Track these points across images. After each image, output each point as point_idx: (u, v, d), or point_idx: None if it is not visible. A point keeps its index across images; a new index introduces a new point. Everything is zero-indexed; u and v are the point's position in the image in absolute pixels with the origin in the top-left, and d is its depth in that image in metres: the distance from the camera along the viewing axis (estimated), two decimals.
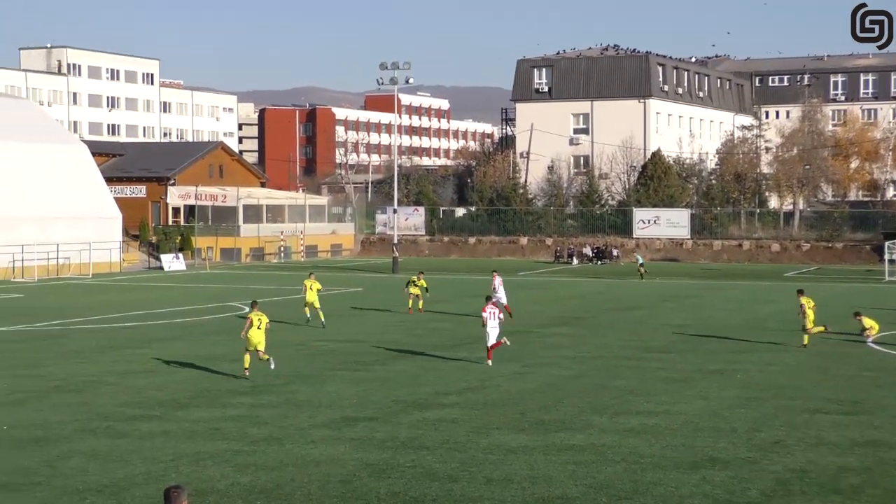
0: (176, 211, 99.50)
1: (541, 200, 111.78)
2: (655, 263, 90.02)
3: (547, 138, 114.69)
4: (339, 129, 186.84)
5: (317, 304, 42.73)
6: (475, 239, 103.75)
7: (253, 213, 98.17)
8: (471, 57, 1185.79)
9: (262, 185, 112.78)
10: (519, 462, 19.84)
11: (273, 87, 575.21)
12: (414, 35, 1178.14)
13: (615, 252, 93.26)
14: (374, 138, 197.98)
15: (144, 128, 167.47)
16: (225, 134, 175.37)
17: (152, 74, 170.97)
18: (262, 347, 29.74)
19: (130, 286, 66.30)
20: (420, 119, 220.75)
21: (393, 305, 50.38)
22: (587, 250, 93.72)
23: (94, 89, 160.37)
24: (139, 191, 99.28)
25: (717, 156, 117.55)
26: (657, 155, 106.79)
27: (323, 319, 42.02)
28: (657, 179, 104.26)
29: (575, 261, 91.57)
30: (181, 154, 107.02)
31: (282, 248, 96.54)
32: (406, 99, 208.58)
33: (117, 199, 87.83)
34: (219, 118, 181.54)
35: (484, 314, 32.41)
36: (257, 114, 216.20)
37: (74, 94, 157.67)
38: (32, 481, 18.35)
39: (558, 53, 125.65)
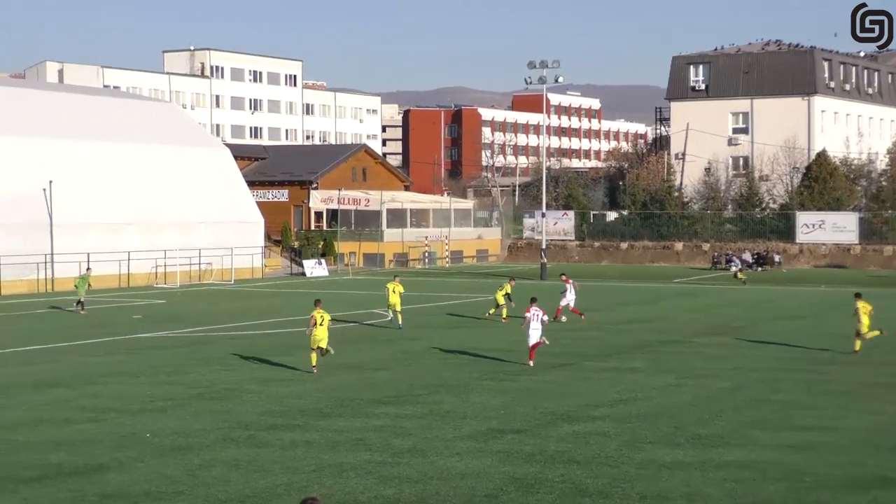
0: (318, 215, 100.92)
1: (697, 204, 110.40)
2: (820, 270, 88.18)
3: (703, 138, 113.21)
4: (486, 131, 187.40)
5: (398, 308, 45.09)
6: (627, 244, 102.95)
7: (396, 218, 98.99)
8: (623, 54, 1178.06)
9: (406, 188, 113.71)
10: (674, 478, 19.58)
11: (418, 88, 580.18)
12: (564, 32, 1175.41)
13: (777, 258, 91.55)
14: (521, 140, 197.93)
15: (287, 130, 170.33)
16: (368, 136, 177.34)
17: (295, 76, 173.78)
18: (324, 344, 32.60)
19: (272, 292, 67.45)
20: (569, 119, 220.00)
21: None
22: (746, 256, 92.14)
23: (236, 91, 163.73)
24: (281, 195, 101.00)
25: (888, 156, 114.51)
26: (822, 155, 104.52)
27: (400, 322, 44.53)
28: (822, 181, 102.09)
29: (733, 267, 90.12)
30: (324, 157, 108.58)
31: (426, 254, 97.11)
32: (555, 99, 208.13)
33: (259, 204, 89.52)
34: (362, 120, 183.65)
35: (527, 314, 34.33)
36: (401, 115, 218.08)
37: (217, 97, 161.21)
38: (175, 490, 18.76)
39: (716, 49, 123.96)
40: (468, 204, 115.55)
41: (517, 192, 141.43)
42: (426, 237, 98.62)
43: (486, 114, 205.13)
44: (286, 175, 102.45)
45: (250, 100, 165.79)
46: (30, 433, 23.36)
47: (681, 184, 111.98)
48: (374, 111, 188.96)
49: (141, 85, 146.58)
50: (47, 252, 69.17)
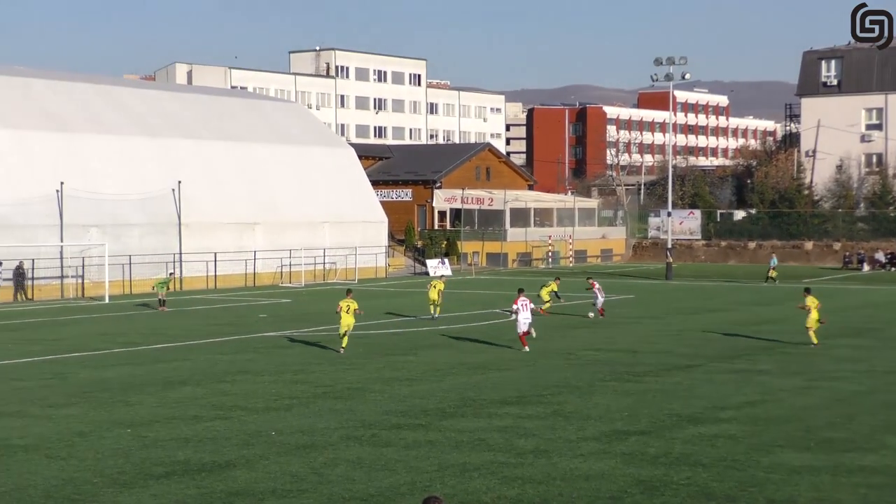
0: (442, 214, 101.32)
1: (828, 202, 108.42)
2: None
3: (835, 135, 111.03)
4: (611, 129, 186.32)
5: (438, 301, 49.27)
6: (755, 244, 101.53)
7: (520, 217, 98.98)
8: (752, 50, 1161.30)
9: (530, 187, 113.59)
10: (804, 483, 19.25)
11: (542, 86, 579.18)
12: (691, 28, 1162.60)
13: None
14: (646, 138, 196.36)
15: (411, 130, 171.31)
16: (492, 135, 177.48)
17: (419, 75, 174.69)
18: (351, 329, 37.49)
19: (396, 291, 67.91)
20: (696, 117, 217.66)
21: (666, 313, 49.81)
22: (879, 256, 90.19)
23: (361, 91, 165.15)
24: (405, 194, 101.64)
25: None
26: None
27: (437, 314, 48.81)
28: None
29: (866, 267, 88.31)
30: (448, 156, 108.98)
31: (550, 253, 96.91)
32: (681, 96, 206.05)
33: (383, 203, 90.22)
34: (486, 119, 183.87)
35: (515, 305, 37.91)
36: (525, 114, 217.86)
37: (342, 97, 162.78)
38: (299, 488, 18.99)
39: (849, 44, 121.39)
40: (592, 203, 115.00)
41: (642, 191, 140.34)
42: (550, 236, 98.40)
43: (611, 111, 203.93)
44: (410, 174, 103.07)
45: (374, 99, 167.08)
46: (160, 430, 23.86)
47: (811, 182, 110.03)
48: (498, 110, 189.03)
49: (267, 85, 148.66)
50: (176, 251, 70.59)
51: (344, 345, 37.30)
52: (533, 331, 38.29)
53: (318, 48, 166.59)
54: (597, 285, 50.51)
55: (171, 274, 59.85)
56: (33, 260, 63.07)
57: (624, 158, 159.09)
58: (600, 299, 49.80)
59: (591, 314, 49.41)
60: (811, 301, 38.69)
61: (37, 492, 18.62)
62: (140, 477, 19.65)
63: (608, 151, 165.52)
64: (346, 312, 37.22)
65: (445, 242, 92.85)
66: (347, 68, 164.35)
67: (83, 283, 65.50)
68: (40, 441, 22.66)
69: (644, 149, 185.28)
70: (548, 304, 51.30)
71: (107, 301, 58.18)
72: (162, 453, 21.53)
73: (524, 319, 37.60)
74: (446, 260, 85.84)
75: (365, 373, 32.69)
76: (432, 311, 49.13)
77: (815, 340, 38.27)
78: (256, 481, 19.38)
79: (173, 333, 44.09)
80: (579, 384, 30.33)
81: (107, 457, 21.22)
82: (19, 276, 63.19)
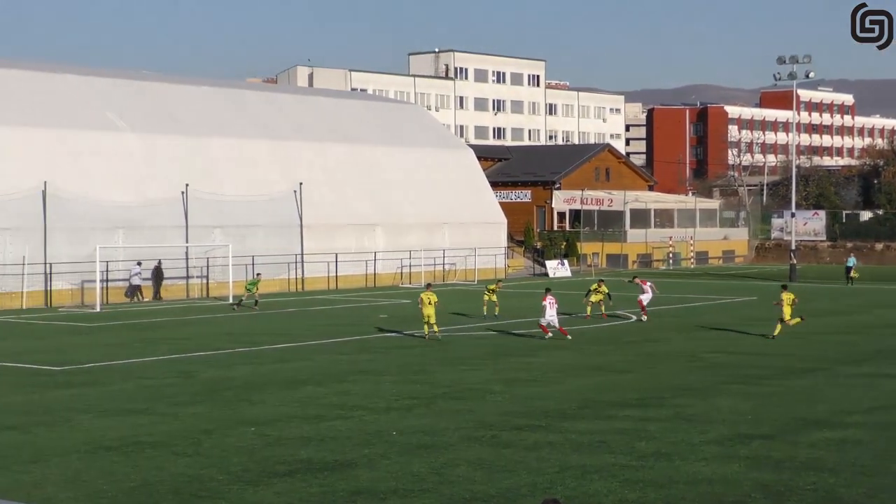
0: (561, 215, 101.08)
1: None
2: None
3: None
4: (732, 129, 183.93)
5: (495, 300, 51.20)
6: (882, 245, 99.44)
7: (640, 218, 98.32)
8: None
9: (650, 188, 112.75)
10: None
11: (662, 86, 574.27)
12: (814, 25, 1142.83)
13: None
14: (769, 137, 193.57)
15: (530, 131, 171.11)
16: (611, 135, 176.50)
17: (538, 76, 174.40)
18: (433, 321, 41.33)
19: (515, 293, 67.85)
20: (821, 116, 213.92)
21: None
22: None
23: (479, 93, 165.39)
24: (524, 195, 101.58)
25: None
26: None
27: (494, 312, 50.59)
28: None
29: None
30: (566, 157, 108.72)
31: (670, 255, 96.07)
32: (805, 95, 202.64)
33: (502, 204, 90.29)
34: (605, 119, 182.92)
35: (544, 303, 41.68)
36: (645, 114, 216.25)
37: (461, 98, 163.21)
38: (421, 488, 19.09)
39: None
40: (714, 204, 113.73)
41: (765, 192, 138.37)
42: (670, 238, 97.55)
43: (733, 111, 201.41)
44: (529, 175, 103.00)
45: (493, 100, 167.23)
46: (283, 428, 24.18)
47: None
48: (618, 110, 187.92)
49: (387, 87, 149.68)
50: (297, 252, 71.45)
51: (426, 332, 41.42)
52: (566, 333, 41.40)
53: (437, 50, 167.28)
54: (648, 283, 50.12)
55: (258, 275, 60.83)
56: (159, 260, 64.35)
57: (746, 158, 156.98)
58: (648, 296, 49.20)
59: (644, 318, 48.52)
60: (786, 297, 41.41)
61: (164, 487, 19.00)
62: (264, 475, 19.93)
63: (730, 151, 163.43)
64: (428, 304, 41.27)
65: (565, 243, 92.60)
66: (466, 70, 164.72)
67: (208, 283, 66.66)
68: (167, 438, 23.12)
69: (766, 149, 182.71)
70: (603, 307, 50.73)
71: (230, 301, 59.11)
72: (285, 452, 21.81)
73: (550, 316, 41.34)
74: (566, 261, 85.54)
75: (485, 374, 32.74)
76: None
77: (775, 332, 41.32)
78: (378, 480, 19.53)
79: (295, 333, 44.64)
80: (701, 387, 30.01)
81: (231, 454, 21.57)
82: (158, 275, 64.68)
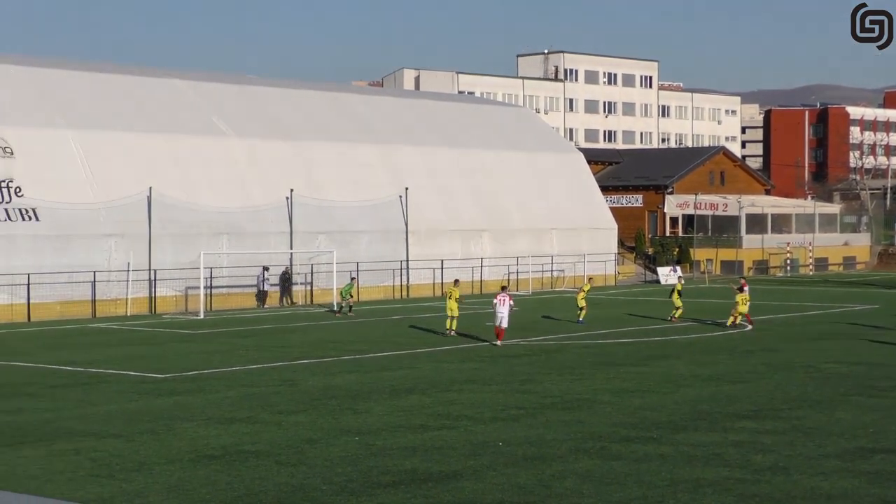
0: (674, 221, 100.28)
1: None
2: None
3: None
4: (854, 130, 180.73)
5: (583, 304, 52.30)
6: None
7: (756, 223, 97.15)
8: None
9: (767, 192, 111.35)
10: None
11: (780, 87, 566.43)
12: None
13: None
14: (893, 139, 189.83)
15: (641, 133, 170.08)
16: (727, 138, 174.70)
17: (651, 77, 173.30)
18: (456, 314, 45.27)
19: (626, 300, 67.48)
20: None
21: None
22: None
23: (590, 95, 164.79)
24: (635, 200, 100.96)
25: None
26: None
27: (579, 318, 51.48)
28: None
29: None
30: (679, 160, 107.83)
31: (788, 261, 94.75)
32: None
33: (612, 209, 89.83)
34: (720, 121, 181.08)
35: (495, 301, 43.23)
36: (762, 115, 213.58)
37: (571, 101, 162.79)
38: (527, 500, 19.02)
39: None
40: (834, 208, 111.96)
41: (889, 196, 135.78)
42: (788, 243, 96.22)
43: (855, 112, 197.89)
44: (640, 179, 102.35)
45: (604, 102, 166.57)
46: (387, 438, 24.28)
47: None
48: (733, 112, 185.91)
49: (495, 90, 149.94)
50: (403, 258, 71.78)
51: (447, 326, 45.26)
52: (501, 337, 42.49)
53: (546, 51, 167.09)
54: (747, 287, 50.61)
55: (352, 279, 61.34)
56: (264, 267, 65.11)
57: (868, 161, 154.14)
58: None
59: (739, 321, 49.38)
60: (741, 297, 45.58)
61: (268, 497, 19.19)
62: (368, 485, 20.02)
63: (851, 154, 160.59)
64: (450, 299, 44.94)
65: (677, 249, 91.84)
66: (576, 71, 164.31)
67: (312, 289, 67.29)
68: (271, 447, 23.35)
69: (891, 151, 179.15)
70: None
71: (335, 308, 59.60)
72: (389, 462, 21.90)
73: (501, 315, 42.31)
74: (678, 267, 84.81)
75: (594, 383, 32.58)
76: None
77: (728, 322, 47.44)
78: (484, 492, 19.51)
79: (400, 341, 44.83)
80: (820, 398, 29.54)
81: (335, 464, 21.71)
82: (285, 281, 65.92)
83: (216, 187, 65.26)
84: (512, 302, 43.30)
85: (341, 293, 58.66)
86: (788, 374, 34.52)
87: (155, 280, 61.05)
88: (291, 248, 66.82)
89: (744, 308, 48.81)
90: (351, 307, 58.01)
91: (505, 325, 42.67)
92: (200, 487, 19.81)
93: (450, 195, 76.43)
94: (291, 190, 66.97)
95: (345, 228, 69.39)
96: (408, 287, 71.68)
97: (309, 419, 26.87)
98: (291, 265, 66.94)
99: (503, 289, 45.17)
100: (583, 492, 19.52)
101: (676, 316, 52.08)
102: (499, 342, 42.26)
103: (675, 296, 52.42)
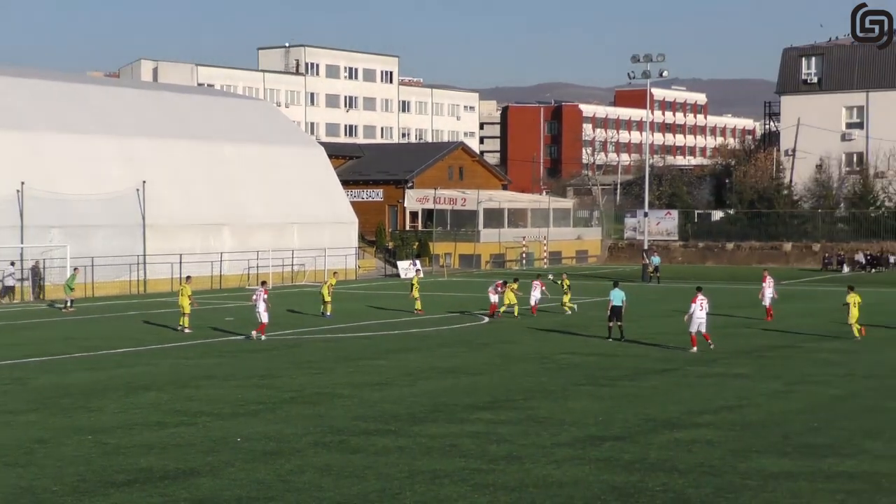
0: (414, 215, 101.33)
1: (807, 202, 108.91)
2: None
3: (815, 134, 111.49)
4: (587, 127, 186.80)
5: (328, 298, 52.61)
6: (733, 244, 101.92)
7: (494, 218, 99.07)
8: (731, 47, 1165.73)
9: (504, 187, 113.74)
10: (781, 489, 19.32)
11: (517, 84, 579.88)
12: (668, 25, 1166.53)
13: (892, 259, 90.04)
14: (623, 136, 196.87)
15: (382, 128, 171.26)
16: (465, 134, 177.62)
17: (391, 72, 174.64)
18: (188, 311, 45.68)
19: (366, 294, 67.88)
20: (674, 115, 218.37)
21: (641, 316, 49.97)
22: (860, 257, 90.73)
23: (331, 89, 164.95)
24: (376, 194, 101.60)
25: None
26: None
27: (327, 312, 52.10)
28: None
29: (846, 268, 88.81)
30: (420, 155, 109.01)
31: (524, 255, 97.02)
32: (659, 94, 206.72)
33: (353, 203, 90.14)
34: (459, 117, 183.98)
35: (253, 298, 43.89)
36: (500, 112, 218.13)
37: (312, 95, 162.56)
38: (266, 495, 18.95)
39: (830, 41, 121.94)
40: (568, 203, 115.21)
41: (619, 191, 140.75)
42: (524, 237, 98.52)
43: (588, 110, 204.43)
44: (381, 174, 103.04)
45: (345, 97, 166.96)
46: (122, 437, 23.77)
47: (790, 181, 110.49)
48: (472, 108, 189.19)
49: (235, 83, 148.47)
50: (140, 253, 70.30)
51: (180, 322, 45.84)
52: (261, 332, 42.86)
53: (287, 44, 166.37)
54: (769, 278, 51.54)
55: (75, 270, 60.08)
56: (36, 260, 63.09)
57: (600, 158, 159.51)
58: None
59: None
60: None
61: None
62: (101, 485, 19.56)
63: (584, 150, 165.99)
64: (182, 295, 45.84)
65: (417, 243, 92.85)
66: (317, 65, 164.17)
67: (43, 285, 65.20)
68: None
69: (621, 148, 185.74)
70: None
71: (66, 304, 57.87)
72: (124, 460, 21.44)
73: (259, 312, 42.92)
74: (418, 261, 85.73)
75: (334, 377, 32.65)
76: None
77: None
78: (222, 489, 19.32)
79: (137, 337, 43.95)
80: (553, 389, 30.38)
81: (67, 464, 21.12)
82: (36, 275, 64.56)
83: None
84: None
85: (67, 286, 57.25)
86: (524, 365, 35.37)
87: None
88: (22, 243, 64.57)
89: (513, 298, 51.55)
90: (72, 302, 56.58)
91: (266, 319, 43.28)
92: None
93: (190, 189, 75.22)
94: (22, 182, 64.67)
95: (80, 222, 67.45)
96: (145, 282, 70.24)
97: (40, 418, 26.05)
98: (22, 260, 64.68)
99: (263, 283, 46.44)
100: (322, 485, 19.56)
101: (418, 308, 53.18)
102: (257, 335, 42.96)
103: (414, 290, 53.25)
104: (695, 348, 37.91)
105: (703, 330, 38.18)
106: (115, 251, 68.43)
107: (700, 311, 37.87)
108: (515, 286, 52.76)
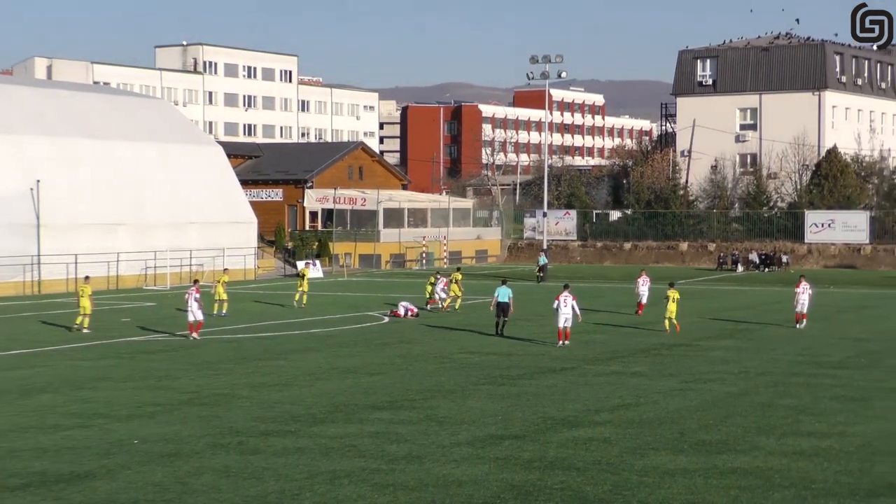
0: (313, 215, 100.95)
1: (703, 203, 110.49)
2: (830, 270, 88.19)
3: (710, 135, 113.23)
4: (486, 128, 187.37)
5: (225, 297, 53.13)
6: (631, 244, 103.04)
7: (394, 217, 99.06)
8: (628, 48, 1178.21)
9: (404, 187, 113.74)
10: (677, 486, 19.60)
11: (416, 84, 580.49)
12: (566, 26, 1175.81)
13: (785, 258, 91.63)
14: (522, 137, 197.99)
15: (282, 128, 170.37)
16: (365, 133, 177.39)
17: (290, 72, 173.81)
18: (88, 311, 45.06)
19: (265, 294, 67.50)
20: (572, 116, 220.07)
21: (536, 315, 50.29)
22: (753, 256, 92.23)
23: (230, 88, 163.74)
24: (275, 194, 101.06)
25: None
26: (833, 152, 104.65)
27: (222, 311, 52.22)
28: (832, 179, 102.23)
29: (740, 268, 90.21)
30: (319, 155, 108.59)
31: (424, 255, 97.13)
32: (557, 94, 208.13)
33: (253, 203, 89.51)
34: (359, 117, 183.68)
35: (186, 296, 43.58)
36: (399, 112, 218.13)
37: (210, 94, 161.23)
38: (163, 498, 18.78)
39: (724, 43, 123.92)
40: (467, 203, 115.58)
41: (518, 191, 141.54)
42: (424, 237, 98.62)
43: (487, 110, 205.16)
44: (280, 174, 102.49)
45: (244, 96, 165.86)
46: (15, 440, 23.38)
47: (686, 182, 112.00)
48: (372, 108, 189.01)
49: (132, 81, 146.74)
50: (34, 254, 69.16)
51: (77, 322, 45.47)
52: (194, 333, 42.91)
53: (185, 43, 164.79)
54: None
55: None
56: None
57: (499, 158, 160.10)
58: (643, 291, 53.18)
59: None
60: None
61: None
62: None
63: (483, 150, 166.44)
64: (83, 296, 45.24)
65: (317, 243, 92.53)
66: (216, 64, 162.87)
67: None
68: None
69: (520, 148, 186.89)
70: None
71: None
72: (18, 464, 21.11)
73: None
74: (317, 261, 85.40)
75: (233, 378, 32.43)
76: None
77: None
78: (117, 492, 19.12)
79: (32, 339, 43.26)
80: (453, 388, 30.47)
81: None
82: None
83: None
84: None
85: None
86: (423, 364, 35.43)
87: None
88: None
89: (458, 291, 54.36)
90: None
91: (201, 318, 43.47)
92: None
93: (86, 188, 74.10)
94: None
95: None
96: (40, 283, 69.10)
97: None
98: None
99: (196, 282, 45.71)
100: (220, 487, 19.43)
101: (302, 302, 55.79)
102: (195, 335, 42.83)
103: (304, 282, 56.22)
104: (560, 342, 39.20)
105: (569, 326, 39.53)
106: (8, 251, 67.23)
107: (564, 307, 39.05)
108: (459, 276, 55.11)
